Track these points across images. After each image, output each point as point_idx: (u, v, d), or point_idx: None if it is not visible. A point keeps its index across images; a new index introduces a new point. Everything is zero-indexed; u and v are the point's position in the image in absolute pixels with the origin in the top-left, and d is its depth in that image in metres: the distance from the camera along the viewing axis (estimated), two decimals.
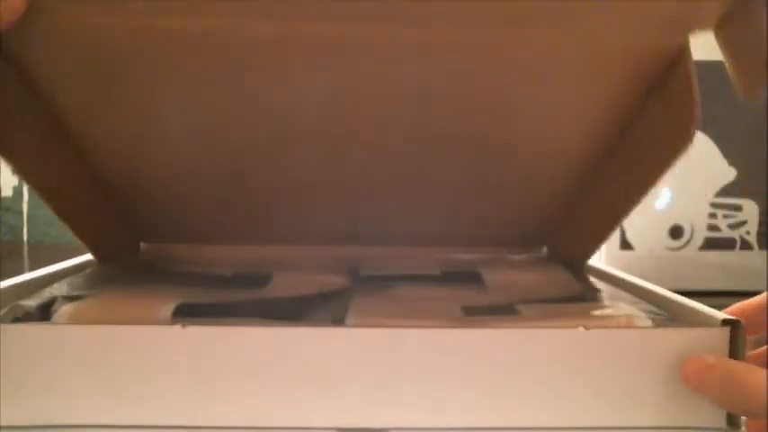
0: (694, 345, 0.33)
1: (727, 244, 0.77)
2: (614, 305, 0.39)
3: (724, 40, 0.38)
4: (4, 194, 1.04)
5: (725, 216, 0.77)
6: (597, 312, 0.39)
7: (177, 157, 0.48)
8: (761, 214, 0.77)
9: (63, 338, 0.33)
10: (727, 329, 0.33)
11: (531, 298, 0.42)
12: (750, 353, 0.34)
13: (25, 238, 1.05)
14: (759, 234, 0.77)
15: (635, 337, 0.33)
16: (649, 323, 0.35)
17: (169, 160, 0.49)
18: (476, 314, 0.38)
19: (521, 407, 0.33)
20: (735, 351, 0.33)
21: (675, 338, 0.33)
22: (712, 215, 0.77)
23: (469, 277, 0.49)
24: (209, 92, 0.55)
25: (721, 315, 0.34)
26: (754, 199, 0.77)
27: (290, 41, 0.54)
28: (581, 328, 0.33)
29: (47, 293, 0.39)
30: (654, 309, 0.38)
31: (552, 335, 0.33)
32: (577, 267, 0.54)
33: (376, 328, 0.34)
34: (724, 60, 0.37)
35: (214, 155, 0.53)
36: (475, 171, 0.57)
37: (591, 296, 0.43)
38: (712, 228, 0.77)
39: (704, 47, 0.77)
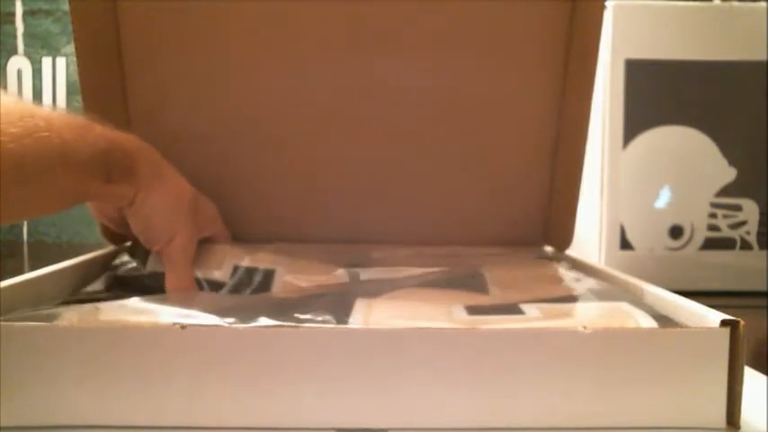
0: (694, 345, 0.33)
1: (727, 244, 0.77)
2: (618, 305, 0.39)
3: None
4: None
5: (725, 216, 0.77)
6: (601, 312, 0.39)
7: (177, 154, 0.48)
8: (761, 214, 0.77)
9: (63, 338, 0.33)
10: (726, 330, 0.33)
11: (534, 298, 0.42)
12: None
13: (25, 237, 1.05)
14: (759, 234, 0.77)
15: (635, 338, 0.33)
16: (654, 323, 0.35)
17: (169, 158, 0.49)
18: (479, 313, 0.38)
19: (520, 407, 0.33)
20: (734, 351, 0.33)
21: (675, 339, 0.33)
22: (712, 215, 0.77)
23: (472, 278, 0.49)
24: (215, 89, 0.55)
25: (721, 316, 0.34)
26: (754, 199, 0.77)
27: (298, 39, 0.54)
28: (580, 328, 0.33)
29: (51, 298, 0.39)
30: (655, 309, 0.38)
31: (552, 335, 0.33)
32: (576, 264, 0.54)
33: (376, 328, 0.34)
34: None
35: (212, 157, 0.53)
36: (467, 167, 0.57)
37: (594, 296, 0.43)
38: (712, 228, 0.77)
39: (704, 47, 0.77)
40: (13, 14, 1.03)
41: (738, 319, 0.33)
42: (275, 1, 0.53)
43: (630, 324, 0.36)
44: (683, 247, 0.77)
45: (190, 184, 0.48)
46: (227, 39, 0.54)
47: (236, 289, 0.46)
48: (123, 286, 0.46)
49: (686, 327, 0.35)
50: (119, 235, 0.53)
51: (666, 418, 0.33)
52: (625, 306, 0.38)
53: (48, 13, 1.03)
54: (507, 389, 0.33)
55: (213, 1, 0.53)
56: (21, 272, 0.42)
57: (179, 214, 0.46)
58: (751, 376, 0.39)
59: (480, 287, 0.47)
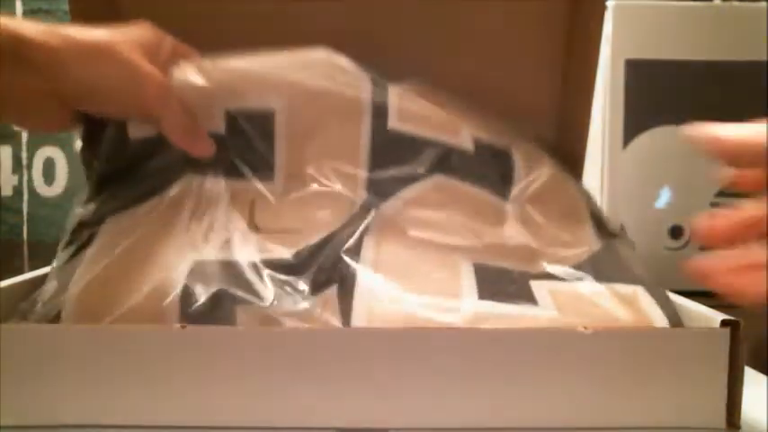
0: (694, 345, 0.33)
1: None
2: (634, 290, 0.38)
3: None
4: (4, 194, 1.04)
5: None
6: (615, 301, 0.37)
7: None
8: None
9: (63, 339, 0.33)
10: (726, 330, 0.33)
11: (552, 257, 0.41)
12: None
13: (25, 237, 1.05)
14: None
15: (635, 338, 0.33)
16: (665, 319, 0.35)
17: None
18: (487, 282, 0.37)
19: (521, 407, 0.33)
20: (734, 351, 0.33)
21: (675, 339, 0.33)
22: None
23: (500, 163, 0.45)
24: None
25: (721, 316, 0.34)
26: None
27: None
28: (581, 329, 0.33)
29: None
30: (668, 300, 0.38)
31: (553, 335, 0.33)
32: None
33: (377, 328, 0.34)
34: None
35: None
36: None
37: (612, 266, 0.41)
38: None
39: (704, 47, 0.77)
40: (13, 14, 1.03)
41: (738, 319, 0.33)
42: (276, 1, 0.53)
43: (642, 318, 0.35)
44: (683, 247, 0.77)
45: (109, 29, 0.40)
46: (228, 40, 0.54)
47: (236, 147, 0.42)
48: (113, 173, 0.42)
49: (687, 327, 0.35)
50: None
51: (666, 418, 0.33)
52: (641, 293, 0.37)
53: (48, 12, 1.03)
54: (508, 389, 0.33)
55: (213, 2, 0.53)
56: (21, 272, 0.42)
57: (130, 70, 0.39)
58: (751, 376, 0.39)
59: (503, 186, 0.44)
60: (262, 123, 0.42)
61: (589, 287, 0.39)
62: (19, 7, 1.03)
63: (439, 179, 0.43)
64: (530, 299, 0.37)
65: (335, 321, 0.35)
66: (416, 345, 0.33)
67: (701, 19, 0.75)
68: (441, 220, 0.42)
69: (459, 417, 0.33)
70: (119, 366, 0.33)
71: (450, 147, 0.44)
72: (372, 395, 0.33)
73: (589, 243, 0.43)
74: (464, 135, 0.44)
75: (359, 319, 0.35)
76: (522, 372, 0.33)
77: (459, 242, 0.41)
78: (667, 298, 0.38)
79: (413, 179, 0.42)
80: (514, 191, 0.44)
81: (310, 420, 0.33)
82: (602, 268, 0.40)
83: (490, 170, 0.45)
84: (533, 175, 0.45)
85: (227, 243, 0.38)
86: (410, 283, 0.37)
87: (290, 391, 0.33)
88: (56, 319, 0.36)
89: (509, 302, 0.36)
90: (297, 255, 0.38)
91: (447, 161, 0.43)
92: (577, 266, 0.41)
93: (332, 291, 0.36)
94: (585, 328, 0.33)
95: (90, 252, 0.39)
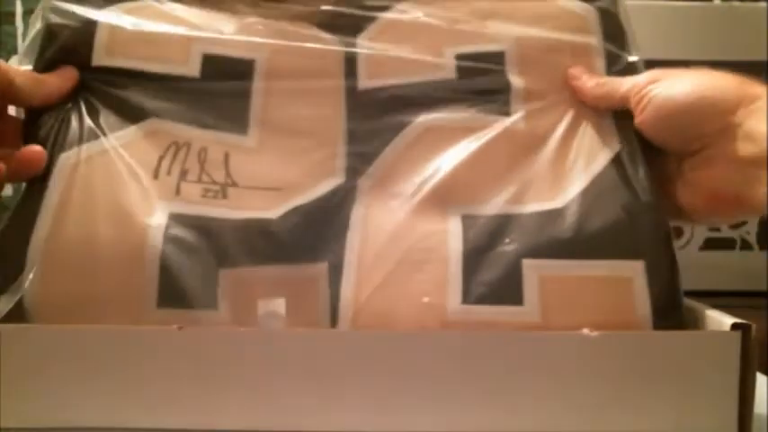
0: (704, 349, 0.33)
1: (727, 244, 0.77)
2: (630, 271, 0.36)
3: None
4: (3, 193, 1.04)
5: None
6: (607, 284, 0.36)
7: None
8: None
9: (63, 339, 0.33)
10: (737, 334, 0.32)
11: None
12: None
13: None
14: (759, 234, 0.77)
15: (643, 341, 0.33)
16: (648, 311, 0.35)
17: None
18: (475, 273, 0.36)
19: (522, 412, 0.33)
20: (746, 356, 0.32)
21: (685, 343, 0.33)
22: None
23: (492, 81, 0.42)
24: None
25: (731, 319, 0.33)
26: None
27: None
28: (585, 332, 0.33)
29: None
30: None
31: (556, 338, 0.33)
32: None
33: (373, 332, 0.34)
34: None
35: None
36: None
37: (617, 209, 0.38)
38: (712, 228, 0.77)
39: (704, 47, 0.77)
40: (13, 14, 1.03)
41: (750, 323, 0.33)
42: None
43: (627, 308, 0.35)
44: (683, 247, 0.77)
45: None
46: None
47: (210, 91, 0.40)
48: None
49: (696, 331, 0.34)
50: None
51: (675, 425, 0.33)
52: (638, 276, 0.36)
53: None
54: (508, 392, 0.33)
55: None
56: None
57: None
58: None
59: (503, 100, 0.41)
60: (241, 73, 0.41)
61: (583, 268, 0.36)
62: (19, 7, 1.02)
63: (423, 122, 0.40)
64: (516, 297, 0.35)
65: (324, 299, 0.36)
66: (414, 348, 0.33)
67: (701, 19, 0.75)
68: (433, 169, 0.39)
69: (458, 421, 0.33)
70: (118, 367, 0.33)
71: (431, 81, 0.41)
72: (369, 399, 0.33)
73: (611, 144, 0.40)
74: (446, 58, 0.42)
75: (346, 308, 0.35)
76: (524, 376, 0.33)
77: (453, 196, 0.39)
78: (669, 278, 0.36)
79: (395, 131, 0.40)
80: (513, 105, 0.41)
81: (305, 424, 0.33)
82: (607, 208, 0.38)
83: (481, 89, 0.41)
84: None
85: (203, 197, 0.37)
86: (394, 285, 0.36)
87: (286, 394, 0.33)
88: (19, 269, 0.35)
89: (494, 304, 0.35)
90: (281, 218, 0.37)
91: (429, 99, 0.41)
92: (596, 185, 0.38)
93: (322, 267, 0.36)
94: (591, 331, 0.33)
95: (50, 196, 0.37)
